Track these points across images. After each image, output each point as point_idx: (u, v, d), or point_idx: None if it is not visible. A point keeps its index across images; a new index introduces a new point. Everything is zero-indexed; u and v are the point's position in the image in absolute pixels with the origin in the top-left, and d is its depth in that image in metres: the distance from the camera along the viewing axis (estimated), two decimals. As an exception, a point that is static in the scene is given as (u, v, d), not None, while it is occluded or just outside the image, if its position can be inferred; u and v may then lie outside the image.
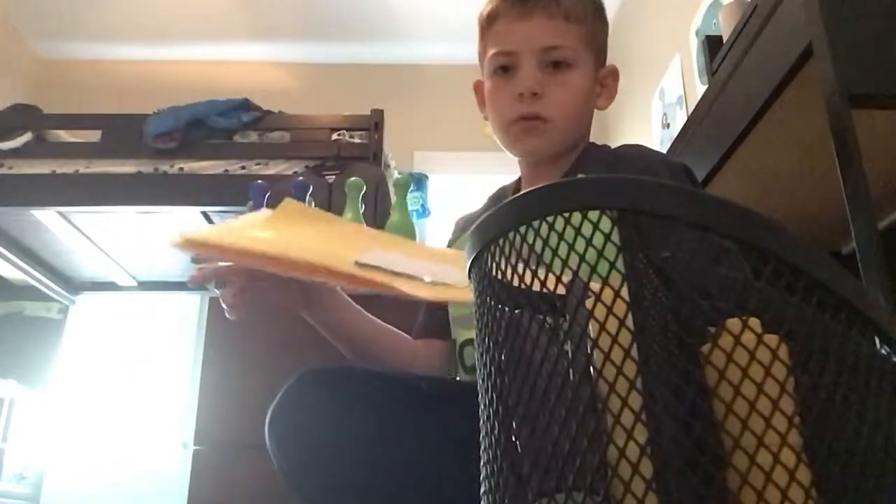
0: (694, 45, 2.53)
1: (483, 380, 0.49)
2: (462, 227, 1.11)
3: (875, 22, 0.94)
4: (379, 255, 0.80)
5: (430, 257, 0.91)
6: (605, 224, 0.44)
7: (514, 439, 0.45)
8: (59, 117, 2.87)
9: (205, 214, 2.73)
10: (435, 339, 1.05)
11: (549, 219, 0.45)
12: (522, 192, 0.47)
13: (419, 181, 3.38)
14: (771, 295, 0.43)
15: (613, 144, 1.01)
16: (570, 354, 0.44)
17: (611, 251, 0.43)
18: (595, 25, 0.98)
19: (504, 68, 0.95)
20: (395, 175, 2.68)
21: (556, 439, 0.42)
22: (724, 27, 1.50)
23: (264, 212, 0.91)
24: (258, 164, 2.64)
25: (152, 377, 3.51)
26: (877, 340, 0.47)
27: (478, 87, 1.04)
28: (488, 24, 0.98)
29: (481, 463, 0.48)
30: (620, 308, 0.42)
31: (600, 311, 0.43)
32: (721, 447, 0.40)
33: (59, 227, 2.81)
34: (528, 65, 0.93)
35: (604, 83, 1.00)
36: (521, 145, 0.97)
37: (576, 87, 0.94)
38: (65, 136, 2.86)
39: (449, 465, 0.72)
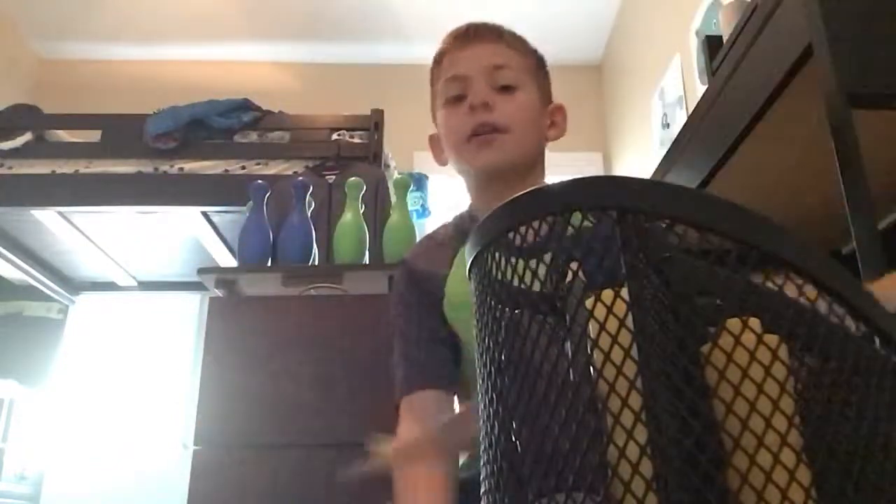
0: (694, 45, 2.53)
1: (483, 380, 0.49)
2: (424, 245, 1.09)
3: (875, 22, 0.94)
4: None
5: None
6: (606, 224, 0.44)
7: (514, 439, 0.45)
8: (59, 117, 2.86)
9: (205, 214, 2.73)
10: (432, 390, 0.94)
11: (550, 219, 0.45)
12: (522, 192, 0.47)
13: (419, 181, 3.39)
14: (771, 295, 0.43)
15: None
16: (570, 354, 0.44)
17: (611, 252, 0.43)
18: (537, 64, 1.05)
19: (456, 98, 0.99)
20: (395, 175, 2.68)
21: (556, 439, 0.42)
22: (724, 27, 1.50)
23: None
24: (258, 164, 2.64)
25: (152, 377, 3.51)
26: (877, 340, 0.47)
27: (432, 141, 1.09)
28: (437, 62, 1.05)
29: (481, 463, 0.48)
30: (620, 308, 0.42)
31: (600, 311, 0.43)
32: (721, 447, 0.40)
33: (59, 227, 2.81)
34: (478, 83, 0.97)
35: (553, 119, 1.05)
36: (479, 159, 0.98)
37: (524, 103, 0.99)
38: (65, 136, 2.86)
39: None
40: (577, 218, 0.44)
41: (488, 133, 0.95)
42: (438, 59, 1.05)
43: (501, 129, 0.95)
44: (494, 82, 0.97)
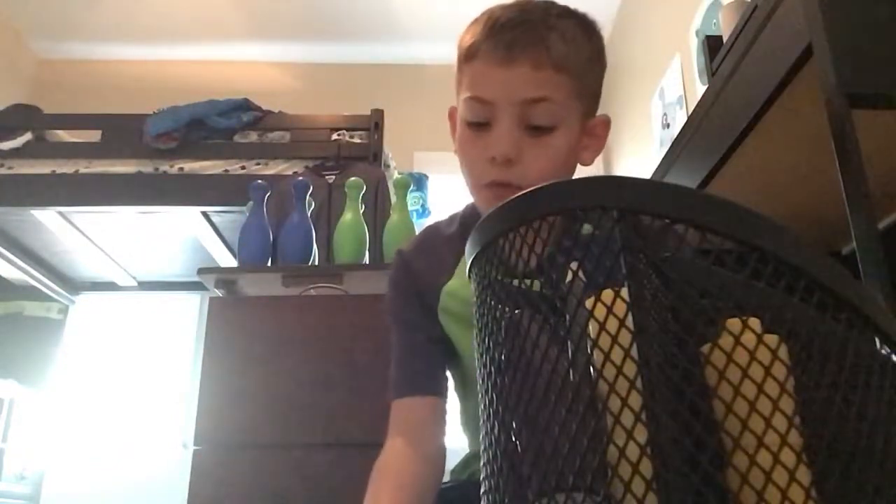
0: (694, 45, 2.53)
1: (483, 380, 0.49)
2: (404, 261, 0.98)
3: (875, 22, 0.94)
4: None
5: None
6: (606, 224, 0.44)
7: (514, 439, 0.45)
8: (59, 117, 2.87)
9: (205, 214, 2.73)
10: (421, 397, 0.91)
11: (550, 219, 0.45)
12: (522, 192, 0.47)
13: (419, 181, 3.39)
14: (771, 295, 0.43)
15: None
16: (570, 354, 0.44)
17: (611, 252, 0.43)
18: (591, 73, 0.87)
19: (479, 124, 0.84)
20: (395, 175, 2.68)
21: (556, 439, 0.42)
22: (724, 27, 1.50)
23: None
24: (258, 164, 2.64)
25: (152, 377, 3.51)
26: (877, 340, 0.47)
27: (452, 115, 0.92)
28: (466, 57, 0.86)
29: (481, 463, 0.48)
30: (620, 308, 0.42)
31: (600, 311, 0.43)
32: (721, 447, 0.40)
33: (59, 227, 2.81)
34: (504, 122, 0.82)
35: (592, 133, 0.90)
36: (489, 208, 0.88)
37: (557, 150, 0.83)
38: (65, 136, 2.86)
39: None
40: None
41: (506, 188, 0.82)
42: (469, 54, 0.85)
43: (521, 188, 0.84)
44: (527, 119, 0.82)
